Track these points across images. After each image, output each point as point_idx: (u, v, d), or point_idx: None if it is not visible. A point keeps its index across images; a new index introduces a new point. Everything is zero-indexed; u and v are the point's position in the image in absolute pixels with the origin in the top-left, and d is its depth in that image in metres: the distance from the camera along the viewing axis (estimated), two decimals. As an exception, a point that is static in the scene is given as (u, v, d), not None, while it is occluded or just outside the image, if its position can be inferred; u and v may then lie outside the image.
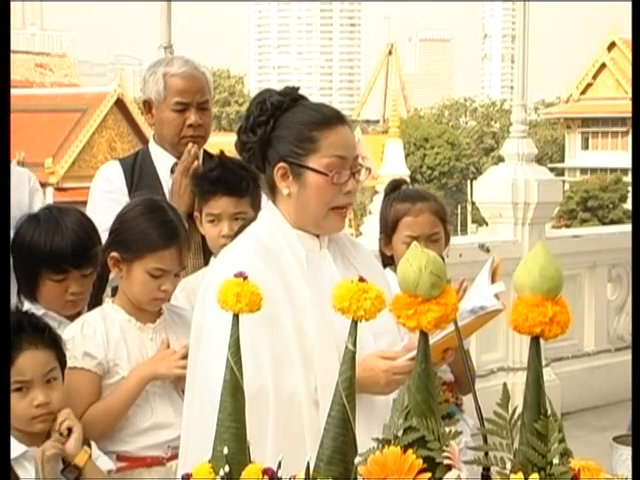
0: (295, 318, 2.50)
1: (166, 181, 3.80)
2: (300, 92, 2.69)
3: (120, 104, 34.53)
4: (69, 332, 3.03)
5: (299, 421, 2.46)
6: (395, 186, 3.67)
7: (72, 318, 3.17)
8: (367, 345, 2.54)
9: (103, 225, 3.63)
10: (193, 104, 3.76)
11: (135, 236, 3.08)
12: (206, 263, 3.59)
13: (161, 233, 3.09)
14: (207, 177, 3.49)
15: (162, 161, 3.83)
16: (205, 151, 3.88)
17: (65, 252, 3.12)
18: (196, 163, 3.73)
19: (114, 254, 3.08)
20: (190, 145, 3.73)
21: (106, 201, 3.71)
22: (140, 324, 3.10)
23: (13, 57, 38.00)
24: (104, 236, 3.58)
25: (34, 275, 3.16)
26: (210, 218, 3.48)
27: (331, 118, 2.61)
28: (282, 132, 2.60)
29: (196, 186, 3.57)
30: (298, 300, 2.53)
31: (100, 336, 3.02)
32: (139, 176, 3.81)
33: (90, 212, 3.73)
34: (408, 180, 3.80)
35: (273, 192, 2.65)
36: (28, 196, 3.69)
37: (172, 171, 3.79)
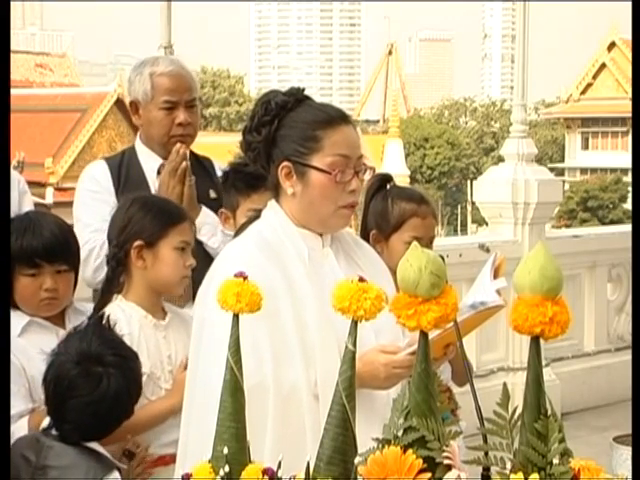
0: (296, 312, 2.51)
1: (153, 182, 3.76)
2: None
3: (120, 104, 34.47)
4: None
5: (299, 415, 2.46)
6: (383, 181, 3.53)
7: (55, 320, 3.14)
8: (368, 342, 2.54)
9: (91, 226, 3.60)
10: (181, 103, 3.74)
11: (152, 218, 3.11)
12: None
13: (172, 208, 3.19)
14: (249, 172, 3.36)
15: (148, 162, 3.80)
16: (191, 152, 3.85)
17: (36, 246, 3.07)
18: (184, 164, 3.68)
19: (138, 242, 3.08)
20: (178, 145, 3.69)
21: (93, 201, 3.69)
22: (155, 321, 3.11)
23: (13, 57, 37.98)
24: (93, 237, 3.55)
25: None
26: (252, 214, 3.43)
27: (335, 117, 2.63)
28: (286, 131, 2.61)
29: (238, 181, 3.52)
30: (299, 294, 2.53)
31: (127, 336, 3.00)
32: (126, 176, 3.77)
33: (77, 211, 3.72)
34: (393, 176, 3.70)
35: (277, 191, 2.66)
36: (18, 198, 3.69)
37: (158, 172, 3.74)
